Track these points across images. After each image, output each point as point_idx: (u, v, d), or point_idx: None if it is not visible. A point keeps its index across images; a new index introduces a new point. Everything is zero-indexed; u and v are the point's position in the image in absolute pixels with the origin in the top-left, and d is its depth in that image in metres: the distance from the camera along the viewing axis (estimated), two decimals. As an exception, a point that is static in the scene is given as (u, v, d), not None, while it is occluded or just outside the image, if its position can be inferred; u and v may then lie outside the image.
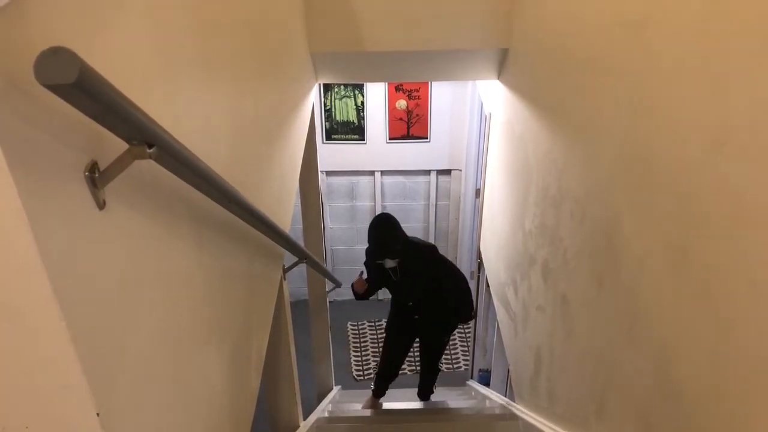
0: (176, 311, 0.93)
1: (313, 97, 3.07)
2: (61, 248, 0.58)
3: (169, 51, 0.92)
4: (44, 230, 0.54)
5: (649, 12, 1.15)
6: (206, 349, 1.10)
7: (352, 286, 2.94)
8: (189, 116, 1.01)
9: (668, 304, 1.07)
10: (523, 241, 2.42)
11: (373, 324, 5.33)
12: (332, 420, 3.06)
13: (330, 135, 5.17)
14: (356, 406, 3.60)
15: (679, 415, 1.03)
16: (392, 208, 5.46)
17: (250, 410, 1.48)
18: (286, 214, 2.12)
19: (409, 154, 5.24)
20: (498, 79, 3.01)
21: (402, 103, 5.08)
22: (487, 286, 3.59)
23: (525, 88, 2.44)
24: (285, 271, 2.17)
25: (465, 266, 5.33)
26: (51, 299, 0.55)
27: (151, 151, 0.67)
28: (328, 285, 3.71)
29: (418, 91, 5.03)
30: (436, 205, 5.49)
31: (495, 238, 3.22)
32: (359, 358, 4.92)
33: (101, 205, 0.65)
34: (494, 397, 3.33)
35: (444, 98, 5.04)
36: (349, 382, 4.60)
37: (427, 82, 4.97)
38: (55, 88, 0.50)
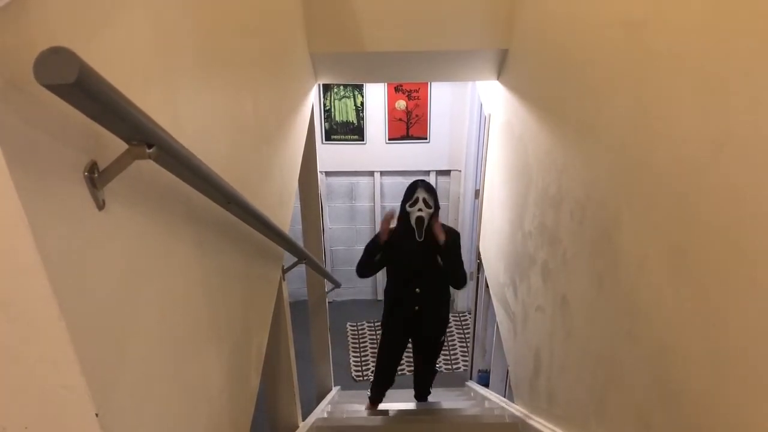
0: (176, 311, 0.93)
1: (313, 98, 3.07)
2: (60, 248, 0.58)
3: (169, 51, 0.92)
4: (44, 230, 0.54)
5: (649, 12, 1.15)
6: (206, 349, 1.10)
7: (376, 237, 2.82)
8: (188, 116, 1.01)
9: (668, 305, 1.07)
10: (522, 242, 2.42)
11: (372, 324, 5.33)
12: (331, 421, 3.06)
13: (329, 135, 5.17)
14: (355, 406, 3.59)
15: (679, 415, 1.03)
16: (392, 208, 5.46)
17: (249, 410, 1.48)
18: (286, 214, 2.12)
19: (409, 154, 5.24)
20: (498, 79, 3.01)
21: (401, 104, 5.08)
22: (487, 286, 3.59)
23: (525, 88, 2.44)
24: (284, 271, 2.17)
25: (465, 267, 5.32)
26: (51, 299, 0.55)
27: (151, 151, 0.67)
28: (328, 285, 3.71)
29: (417, 91, 5.03)
30: (435, 205, 5.49)
31: (494, 239, 3.22)
32: (358, 359, 4.92)
33: (101, 205, 0.65)
34: (493, 397, 3.33)
35: (444, 99, 5.04)
36: (348, 383, 4.60)
37: (427, 83, 4.98)
38: (54, 88, 0.50)
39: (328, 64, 2.89)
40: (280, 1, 2.03)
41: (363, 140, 5.19)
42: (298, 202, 3.45)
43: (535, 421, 2.15)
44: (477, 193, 4.30)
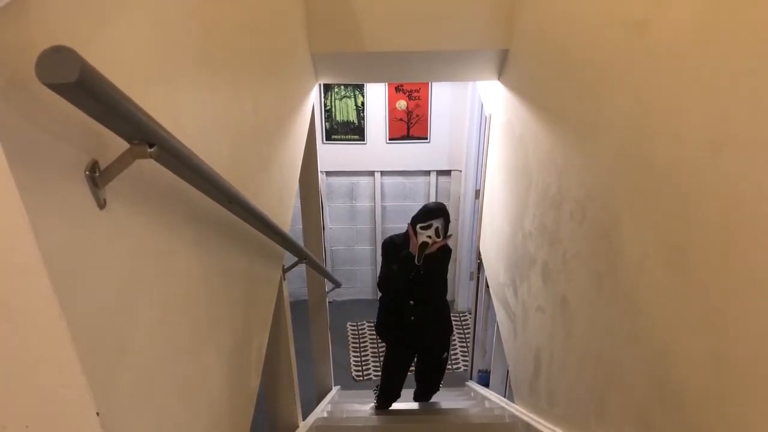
0: (176, 311, 0.93)
1: (314, 98, 3.08)
2: (61, 247, 0.58)
3: (170, 51, 0.92)
4: (45, 229, 0.54)
5: (649, 12, 1.15)
6: (206, 348, 1.10)
7: (406, 252, 2.55)
8: (189, 116, 1.01)
9: (668, 305, 1.07)
10: (522, 242, 2.42)
11: (372, 324, 5.32)
12: (331, 421, 3.06)
13: (330, 135, 5.17)
14: (356, 406, 3.59)
15: (679, 415, 1.03)
16: (392, 208, 5.47)
17: (249, 410, 1.48)
18: (286, 214, 2.12)
19: (409, 154, 5.24)
20: (498, 79, 3.01)
21: (402, 104, 5.08)
22: (487, 286, 3.59)
23: (525, 88, 2.44)
24: (285, 271, 2.17)
25: (465, 267, 5.33)
26: (51, 298, 0.55)
27: (152, 150, 0.67)
28: (328, 285, 3.71)
29: (418, 91, 5.03)
30: (436, 205, 5.49)
31: (495, 239, 3.22)
32: (359, 359, 4.92)
33: (102, 204, 0.65)
34: (493, 398, 3.33)
35: (444, 99, 5.04)
36: (348, 383, 4.60)
37: (428, 83, 4.98)
38: (56, 87, 0.50)
39: (328, 64, 2.89)
40: (281, 1, 2.03)
41: (363, 140, 5.19)
42: (299, 202, 3.45)
43: (536, 421, 2.15)
44: (477, 194, 4.30)
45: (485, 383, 3.91)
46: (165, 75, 0.89)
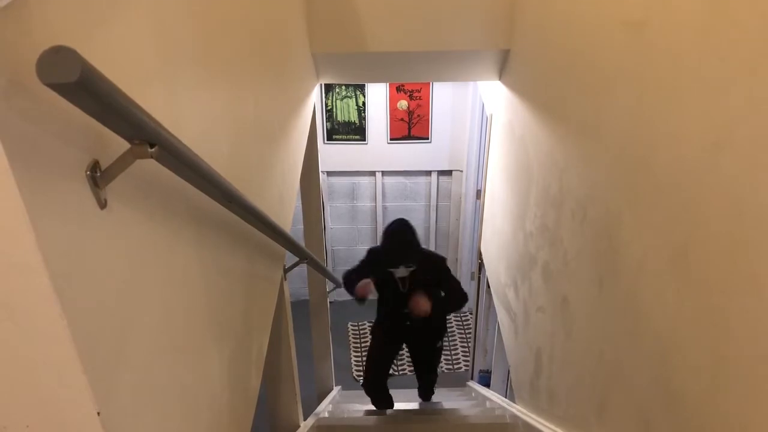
0: (177, 311, 0.93)
1: (315, 98, 3.08)
2: (62, 247, 0.58)
3: (171, 50, 0.92)
4: (45, 229, 0.54)
5: (649, 12, 1.15)
6: (207, 348, 1.10)
7: (356, 289, 2.62)
8: (190, 116, 1.01)
9: (669, 305, 1.07)
10: (523, 242, 2.42)
11: (373, 324, 5.33)
12: (332, 421, 3.06)
13: (331, 135, 5.17)
14: (357, 406, 3.59)
15: (680, 415, 1.03)
16: (393, 208, 5.46)
17: (250, 410, 1.48)
18: (287, 214, 2.12)
19: (410, 154, 5.24)
20: (499, 79, 3.01)
21: (403, 104, 5.08)
22: (488, 286, 3.59)
23: (526, 88, 2.44)
24: (286, 271, 2.17)
25: (465, 267, 5.33)
26: (51, 298, 0.55)
27: (153, 150, 0.67)
28: (329, 285, 3.70)
29: (419, 91, 5.03)
30: (437, 205, 5.49)
31: (496, 239, 3.21)
32: (359, 359, 4.92)
33: (102, 204, 0.65)
34: (494, 398, 3.33)
35: (445, 99, 5.04)
36: (349, 383, 4.59)
37: (429, 83, 4.98)
38: (57, 87, 0.50)
39: (330, 64, 2.89)
40: (282, 1, 2.03)
41: (365, 140, 5.19)
42: (300, 202, 3.45)
43: (536, 421, 2.15)
44: (478, 194, 4.30)
45: (486, 383, 3.90)
46: (166, 75, 0.89)
